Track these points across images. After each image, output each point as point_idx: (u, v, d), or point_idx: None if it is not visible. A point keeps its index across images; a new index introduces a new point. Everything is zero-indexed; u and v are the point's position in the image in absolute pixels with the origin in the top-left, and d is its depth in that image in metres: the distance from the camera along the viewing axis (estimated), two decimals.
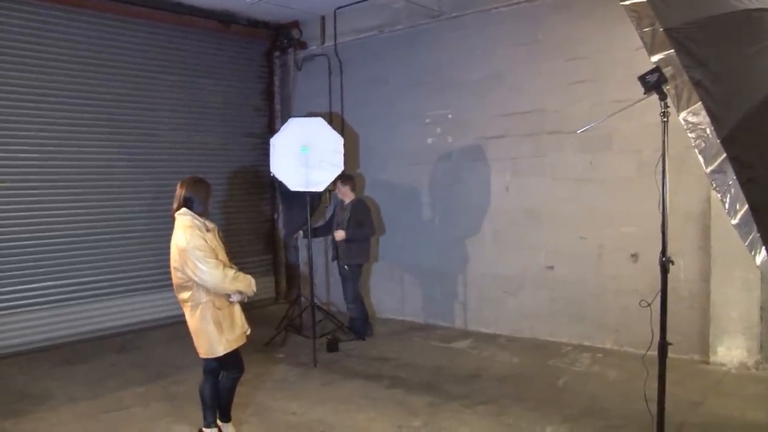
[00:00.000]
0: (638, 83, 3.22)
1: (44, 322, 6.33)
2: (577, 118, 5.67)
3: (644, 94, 3.25)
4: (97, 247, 6.72)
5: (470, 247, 6.73)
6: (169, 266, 3.65)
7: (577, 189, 5.90)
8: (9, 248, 6.10)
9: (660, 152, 3.19)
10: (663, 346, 3.25)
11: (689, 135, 3.22)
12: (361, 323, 6.48)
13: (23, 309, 6.19)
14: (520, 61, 6.22)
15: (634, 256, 5.53)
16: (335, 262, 6.58)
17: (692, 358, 5.27)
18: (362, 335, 6.44)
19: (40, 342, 6.28)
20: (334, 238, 6.39)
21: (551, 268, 6.11)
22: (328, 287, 7.98)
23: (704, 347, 5.22)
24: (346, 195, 6.41)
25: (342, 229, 6.26)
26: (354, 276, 6.40)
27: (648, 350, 3.49)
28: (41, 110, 6.28)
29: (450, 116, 6.82)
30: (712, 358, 5.17)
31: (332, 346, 6.06)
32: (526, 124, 6.19)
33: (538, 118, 6.11)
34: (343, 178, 6.25)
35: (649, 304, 3.34)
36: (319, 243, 7.89)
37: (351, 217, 6.26)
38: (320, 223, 6.98)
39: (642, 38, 3.32)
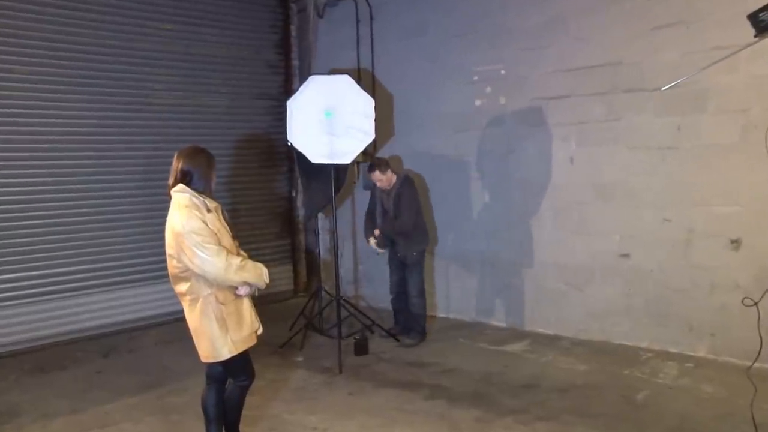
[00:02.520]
0: (747, 23, 3.14)
1: (12, 321, 6.32)
2: (663, 72, 5.52)
3: (755, 37, 3.17)
4: (79, 231, 6.74)
5: (527, 231, 6.66)
6: (164, 253, 3.63)
7: (661, 160, 5.76)
8: None
9: None
10: None
11: None
12: (424, 321, 6.45)
13: None
14: (588, 1, 6.06)
15: (735, 243, 5.37)
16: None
17: None
18: (423, 334, 6.43)
19: (7, 346, 6.27)
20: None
21: (626, 256, 6.01)
22: (355, 278, 8.01)
23: None
24: (391, 179, 6.30)
25: (390, 217, 6.31)
26: (420, 263, 6.39)
27: (755, 361, 3.36)
28: (13, 64, 6.23)
29: (502, 72, 6.74)
30: None
31: (361, 349, 6.04)
32: (596, 81, 6.07)
33: (611, 73, 5.97)
34: (380, 164, 6.18)
35: (755, 303, 3.31)
36: (345, 225, 7.86)
37: (395, 204, 6.26)
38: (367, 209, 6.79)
39: None
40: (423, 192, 7.03)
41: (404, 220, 6.21)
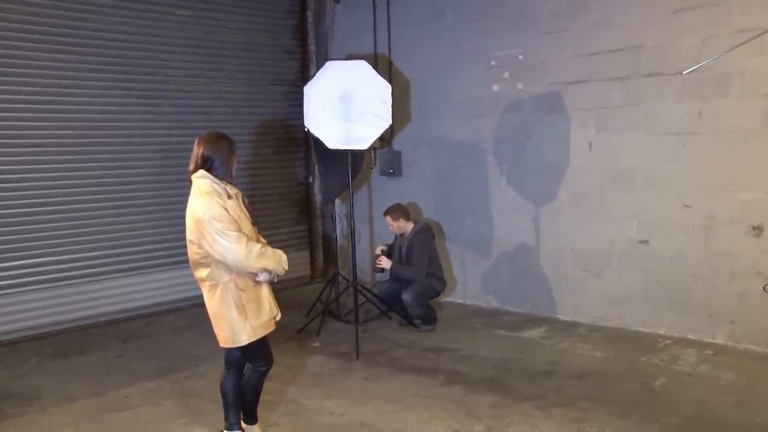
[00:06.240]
0: None
1: (33, 306, 6.37)
2: (684, 56, 5.48)
3: None
4: (97, 216, 6.77)
5: (544, 217, 6.64)
6: (184, 239, 3.64)
7: (681, 145, 5.70)
8: None
9: None
10: None
11: None
12: (429, 312, 6.43)
13: (8, 291, 6.22)
14: None
15: (757, 229, 5.31)
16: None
17: None
18: (435, 321, 6.41)
19: (28, 330, 6.32)
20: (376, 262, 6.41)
21: (645, 242, 5.98)
22: (372, 264, 7.95)
23: None
24: (405, 228, 6.42)
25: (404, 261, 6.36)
26: (426, 290, 6.33)
27: None
28: (30, 51, 6.23)
29: (520, 57, 6.69)
30: None
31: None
32: (616, 65, 6.01)
33: (631, 57, 5.91)
34: (393, 211, 6.32)
35: None
36: (361, 211, 7.85)
37: (407, 252, 6.35)
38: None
39: None
40: (439, 188, 6.97)
41: (416, 269, 6.22)
